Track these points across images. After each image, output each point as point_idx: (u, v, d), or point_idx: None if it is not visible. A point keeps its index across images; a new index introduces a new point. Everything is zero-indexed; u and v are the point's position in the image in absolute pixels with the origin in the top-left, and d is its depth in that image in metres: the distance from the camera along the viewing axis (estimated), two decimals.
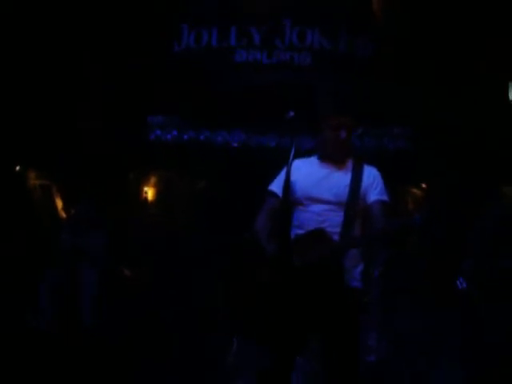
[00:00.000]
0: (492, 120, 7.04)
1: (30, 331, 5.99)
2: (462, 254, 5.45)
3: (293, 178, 3.16)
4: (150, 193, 8.25)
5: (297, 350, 3.22)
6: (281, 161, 3.22)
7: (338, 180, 3.20)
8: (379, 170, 3.34)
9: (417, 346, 5.68)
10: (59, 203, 7.88)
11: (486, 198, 6.06)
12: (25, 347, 5.59)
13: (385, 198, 3.21)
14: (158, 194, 8.27)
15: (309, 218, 3.16)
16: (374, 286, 5.96)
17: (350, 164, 3.28)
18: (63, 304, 6.20)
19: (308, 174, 3.25)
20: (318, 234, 3.07)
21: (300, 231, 3.16)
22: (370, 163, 3.35)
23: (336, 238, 3.06)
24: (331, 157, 3.26)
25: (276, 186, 3.31)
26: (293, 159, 3.09)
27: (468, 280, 5.40)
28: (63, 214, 7.72)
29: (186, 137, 7.77)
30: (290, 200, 3.19)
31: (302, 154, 3.35)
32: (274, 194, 3.30)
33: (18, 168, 7.87)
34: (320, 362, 3.13)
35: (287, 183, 3.08)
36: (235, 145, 7.72)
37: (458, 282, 5.44)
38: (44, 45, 7.30)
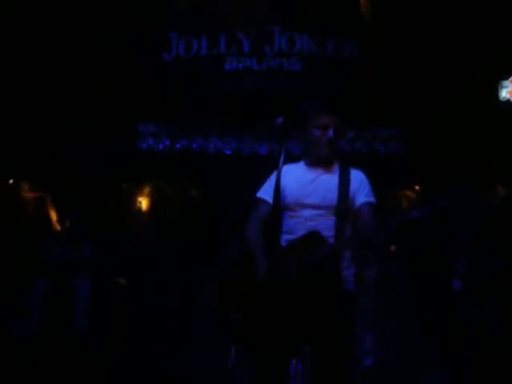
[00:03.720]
0: (484, 120, 7.06)
1: (16, 340, 6.03)
2: (453, 254, 5.49)
3: (281, 183, 3.14)
4: (143, 203, 8.24)
5: (291, 353, 3.23)
6: (273, 167, 3.22)
7: (326, 183, 3.20)
8: (371, 173, 3.36)
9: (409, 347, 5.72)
10: (53, 215, 7.87)
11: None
12: (12, 355, 5.64)
13: (372, 199, 3.22)
14: (151, 203, 8.25)
15: (299, 223, 3.16)
16: (368, 288, 5.98)
17: (336, 167, 3.28)
18: (53, 314, 6.20)
19: (296, 179, 3.24)
20: (312, 237, 3.06)
21: (290, 236, 3.16)
22: (362, 167, 3.36)
23: (330, 241, 3.07)
24: (318, 158, 3.25)
25: (264, 193, 3.32)
26: (282, 165, 3.08)
27: (462, 281, 5.43)
28: (57, 226, 7.71)
29: (178, 145, 7.79)
30: (280, 206, 3.19)
31: (293, 159, 3.36)
32: (263, 201, 3.31)
33: (11, 181, 7.87)
34: (312, 365, 3.12)
35: (278, 189, 3.07)
36: (228, 152, 7.73)
37: (453, 284, 5.47)
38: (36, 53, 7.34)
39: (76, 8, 7.30)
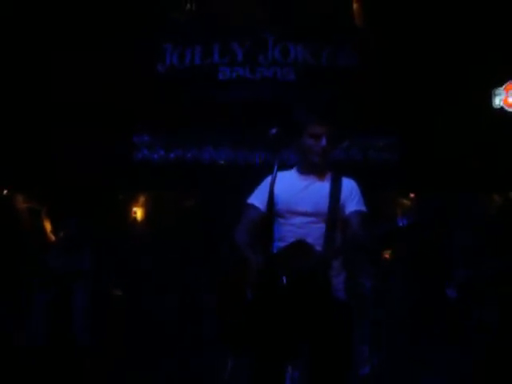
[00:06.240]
0: (479, 128, 7.08)
1: (19, 350, 6.01)
2: (450, 263, 5.49)
3: (274, 191, 3.14)
4: (139, 213, 8.24)
5: (287, 359, 3.22)
6: (267, 176, 3.23)
7: (317, 191, 3.21)
8: (366, 181, 3.36)
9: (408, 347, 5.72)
10: (48, 226, 7.85)
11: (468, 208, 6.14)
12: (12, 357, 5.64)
13: (363, 208, 3.21)
14: (147, 213, 8.24)
15: (289, 231, 3.16)
16: (365, 298, 5.97)
17: (328, 175, 3.29)
18: (55, 322, 6.19)
19: (288, 186, 3.24)
20: (299, 246, 3.06)
21: (281, 244, 3.15)
22: (357, 175, 3.37)
23: (318, 249, 3.06)
24: (311, 166, 3.25)
25: (256, 199, 3.31)
26: (276, 174, 3.10)
27: (458, 289, 5.44)
28: (52, 237, 7.69)
29: (172, 155, 7.78)
30: (272, 213, 3.18)
31: (287, 168, 3.37)
32: (253, 207, 3.30)
33: (5, 192, 7.86)
34: (307, 372, 3.11)
35: (271, 197, 3.09)
36: (222, 162, 7.73)
37: (448, 292, 5.48)
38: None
39: (76, 8, 7.31)
